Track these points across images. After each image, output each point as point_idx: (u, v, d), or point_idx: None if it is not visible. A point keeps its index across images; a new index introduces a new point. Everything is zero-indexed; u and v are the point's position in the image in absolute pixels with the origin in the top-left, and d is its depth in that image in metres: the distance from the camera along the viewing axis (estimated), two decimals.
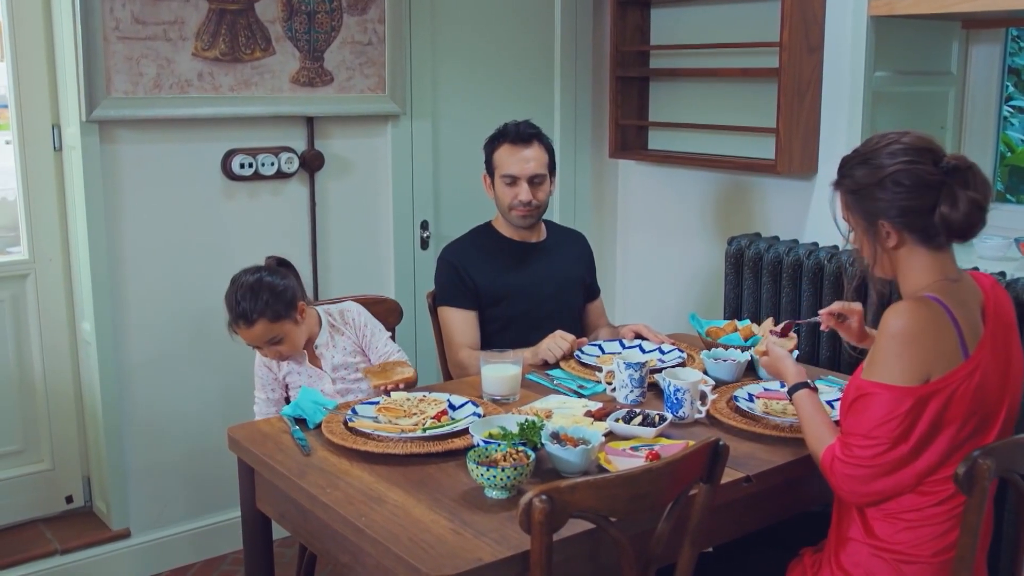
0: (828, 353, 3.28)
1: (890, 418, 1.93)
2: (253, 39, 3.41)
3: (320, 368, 2.81)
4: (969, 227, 1.99)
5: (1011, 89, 4.08)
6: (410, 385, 2.62)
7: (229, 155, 3.46)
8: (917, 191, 1.98)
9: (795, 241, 3.54)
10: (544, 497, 1.68)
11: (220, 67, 3.36)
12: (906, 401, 1.92)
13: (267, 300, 2.67)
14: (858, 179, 2.05)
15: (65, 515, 3.56)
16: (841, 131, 3.46)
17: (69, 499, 3.57)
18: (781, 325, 2.55)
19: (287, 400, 2.81)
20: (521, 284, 3.11)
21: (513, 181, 3.02)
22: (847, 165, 2.10)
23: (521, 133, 3.04)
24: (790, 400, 2.23)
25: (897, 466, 1.96)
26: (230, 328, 2.75)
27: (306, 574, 2.87)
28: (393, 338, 3.17)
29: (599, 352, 2.90)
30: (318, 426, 2.37)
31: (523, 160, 3.02)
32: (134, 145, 3.30)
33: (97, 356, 3.33)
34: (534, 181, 3.02)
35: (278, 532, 2.48)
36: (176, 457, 3.54)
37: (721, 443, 1.89)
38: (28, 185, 3.33)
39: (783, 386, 2.53)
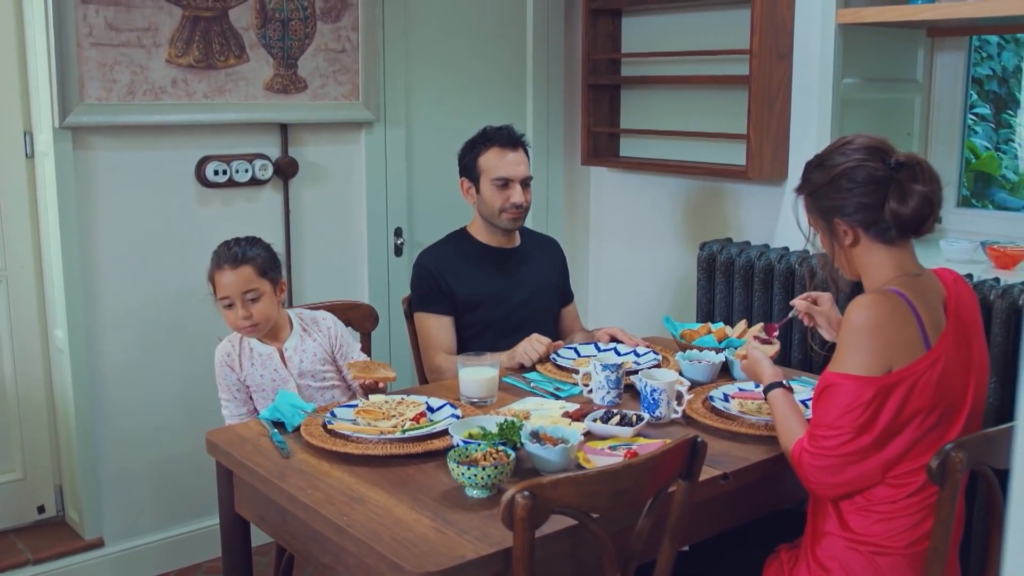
0: (800, 355, 3.32)
1: (853, 407, 1.98)
2: (227, 46, 3.41)
3: (287, 370, 2.76)
4: (919, 221, 2.06)
5: (974, 97, 4.15)
6: (389, 386, 2.62)
7: (203, 162, 3.45)
8: (867, 187, 2.06)
9: (766, 246, 3.58)
10: (526, 493, 1.69)
11: (194, 74, 3.36)
12: (868, 390, 1.97)
13: (260, 251, 2.73)
14: (814, 181, 2.15)
15: (37, 525, 3.53)
16: (811, 137, 3.51)
17: (41, 509, 3.54)
18: (763, 328, 2.59)
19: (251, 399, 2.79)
20: (496, 290, 3.13)
21: (506, 184, 3.04)
22: (807, 169, 2.20)
23: (511, 137, 3.08)
24: (765, 399, 2.26)
25: (862, 456, 2.00)
26: (210, 280, 2.72)
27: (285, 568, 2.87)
28: (368, 344, 3.19)
29: (575, 355, 2.92)
30: (296, 429, 2.37)
31: (513, 163, 3.04)
32: (107, 152, 3.29)
33: (70, 363, 3.31)
34: (524, 183, 3.06)
35: (255, 539, 2.49)
36: (150, 465, 3.52)
37: (699, 440, 1.92)
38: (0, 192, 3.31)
39: (758, 386, 2.56)
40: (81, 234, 3.26)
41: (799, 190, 2.20)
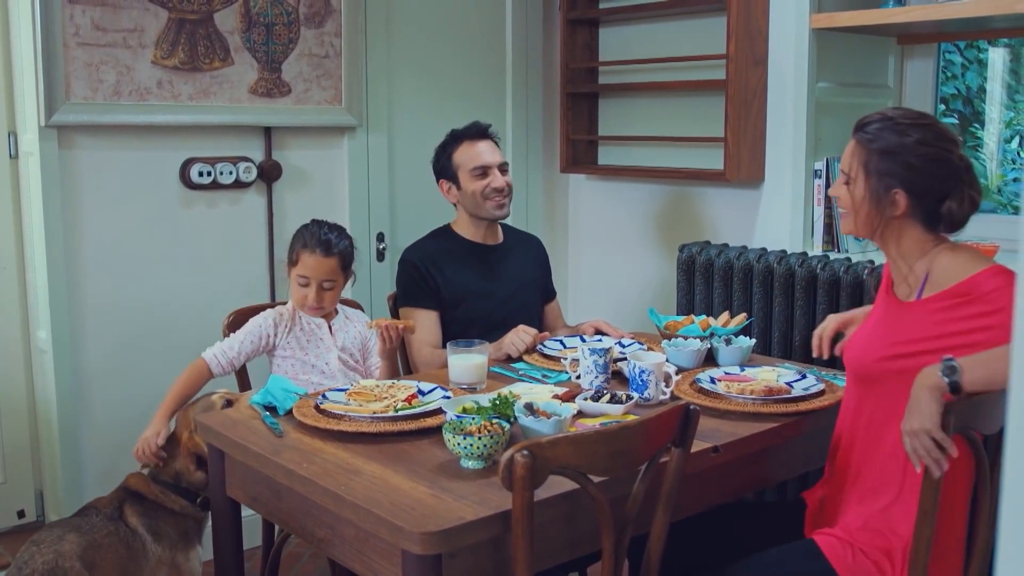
0: (780, 349, 3.37)
1: None
2: (212, 49, 3.44)
3: (332, 339, 2.92)
4: (964, 224, 2.12)
5: (942, 108, 4.25)
6: (410, 331, 2.84)
7: (188, 163, 3.47)
8: (942, 176, 2.07)
9: (744, 247, 3.63)
10: (526, 452, 1.72)
11: (179, 76, 3.38)
12: None
13: (348, 244, 2.91)
14: (889, 142, 2.09)
15: (16, 530, 3.50)
16: (787, 140, 3.58)
17: (21, 513, 3.51)
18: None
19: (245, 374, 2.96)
20: (481, 285, 3.16)
21: (484, 172, 3.09)
22: (876, 125, 2.12)
23: (479, 129, 3.16)
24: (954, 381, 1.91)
25: None
26: (293, 255, 2.87)
27: (271, 571, 2.86)
28: None
29: (561, 346, 2.95)
30: (288, 412, 2.39)
31: (488, 151, 3.12)
32: (93, 151, 3.30)
33: (53, 365, 3.30)
34: (502, 168, 3.12)
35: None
36: (133, 467, 3.49)
37: (692, 407, 1.95)
38: None
39: (743, 369, 2.61)
40: (65, 234, 3.27)
41: (866, 142, 2.12)
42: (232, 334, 2.91)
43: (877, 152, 2.09)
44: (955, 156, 2.09)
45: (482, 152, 3.12)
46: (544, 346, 2.92)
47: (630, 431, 1.84)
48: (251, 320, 2.91)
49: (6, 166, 3.33)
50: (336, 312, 2.99)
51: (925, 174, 2.07)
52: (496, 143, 3.21)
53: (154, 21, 3.31)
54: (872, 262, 3.27)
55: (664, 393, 2.46)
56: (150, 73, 3.32)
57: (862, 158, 2.12)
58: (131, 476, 2.75)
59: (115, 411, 3.44)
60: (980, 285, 2.01)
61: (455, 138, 3.17)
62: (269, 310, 2.94)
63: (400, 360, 3.26)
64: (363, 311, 3.19)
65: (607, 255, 4.36)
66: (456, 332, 3.13)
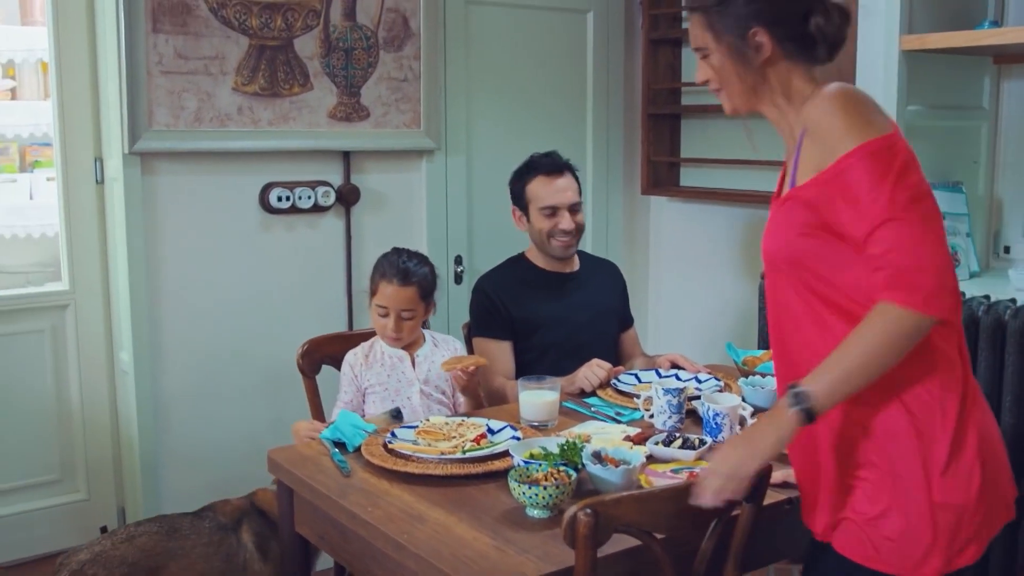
0: None
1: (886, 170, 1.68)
2: (292, 74, 3.47)
3: (414, 373, 2.84)
4: (842, 39, 1.84)
5: None
6: (481, 366, 2.75)
7: (267, 188, 3.51)
8: None
9: None
10: (589, 510, 1.68)
11: (259, 101, 3.41)
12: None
13: (427, 273, 2.83)
14: None
15: None
16: None
17: (103, 529, 3.56)
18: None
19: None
20: (556, 313, 3.12)
21: (553, 212, 3.05)
22: None
23: (555, 164, 3.08)
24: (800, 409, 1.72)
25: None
26: (373, 285, 2.83)
27: None
28: None
29: (635, 381, 2.90)
30: (357, 449, 2.38)
31: (560, 190, 3.05)
32: (174, 177, 3.35)
33: (134, 386, 3.36)
34: (573, 209, 3.06)
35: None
36: (210, 487, 3.53)
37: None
38: (70, 217, 3.40)
39: None
40: (147, 258, 3.33)
41: (699, 6, 1.86)
42: (341, 387, 2.89)
43: (714, 6, 1.83)
44: None
45: (555, 191, 3.06)
46: (618, 381, 2.87)
47: None
48: (342, 371, 2.88)
49: (92, 191, 3.41)
50: (423, 340, 2.91)
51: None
52: (575, 177, 3.14)
53: (235, 48, 3.35)
54: (963, 294, 3.14)
55: None
56: (230, 99, 3.36)
57: (704, 22, 1.85)
58: (260, 491, 2.78)
59: (193, 430, 3.49)
60: (845, 173, 1.70)
61: (531, 168, 3.12)
62: (349, 353, 2.89)
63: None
64: (458, 341, 3.05)
65: (687, 280, 4.29)
66: (531, 360, 3.11)
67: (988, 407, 1.85)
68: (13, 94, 3.97)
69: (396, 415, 2.61)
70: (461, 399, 2.88)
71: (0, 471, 3.40)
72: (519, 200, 3.14)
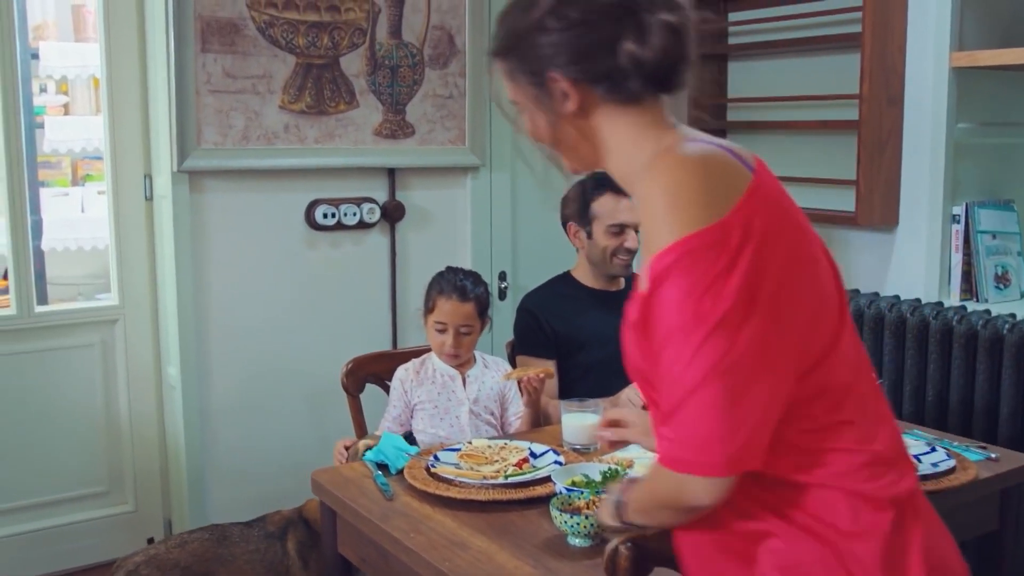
0: (912, 408, 3.23)
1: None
2: (338, 92, 3.49)
3: (464, 393, 2.86)
4: (669, 66, 1.42)
5: None
6: (549, 377, 2.78)
7: (312, 205, 3.54)
8: (589, 23, 1.40)
9: (876, 294, 3.50)
10: (630, 544, 1.67)
11: (306, 119, 3.44)
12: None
13: (484, 291, 2.88)
14: (512, 30, 1.47)
15: None
16: (923, 183, 3.43)
17: (150, 540, 3.63)
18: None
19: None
20: (600, 332, 3.11)
21: (621, 230, 3.04)
22: (501, 17, 1.51)
23: None
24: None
25: None
26: (430, 302, 2.86)
27: None
28: None
29: None
30: (400, 472, 2.39)
31: (629, 209, 3.02)
32: (221, 194, 3.39)
33: (182, 400, 3.40)
34: (637, 229, 3.06)
35: None
36: (255, 501, 3.57)
37: None
38: (120, 233, 3.44)
39: None
40: (195, 275, 3.37)
41: (493, 54, 1.50)
42: (389, 399, 2.92)
43: (507, 52, 1.47)
44: None
45: (624, 209, 3.03)
46: None
47: None
48: (392, 385, 2.91)
49: (141, 208, 3.45)
50: (474, 361, 2.93)
51: (563, 34, 1.42)
52: None
53: (282, 67, 3.38)
54: (1014, 315, 3.10)
55: None
56: (277, 118, 3.39)
57: (503, 71, 1.49)
58: (310, 501, 2.83)
59: (239, 445, 3.52)
60: (650, 276, 1.31)
61: (600, 185, 3.09)
62: (400, 368, 2.91)
63: None
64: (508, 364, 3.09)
65: None
66: (575, 378, 3.10)
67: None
68: (66, 109, 4.04)
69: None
70: (512, 419, 2.88)
71: (50, 483, 3.46)
72: (581, 216, 3.11)
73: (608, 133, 1.46)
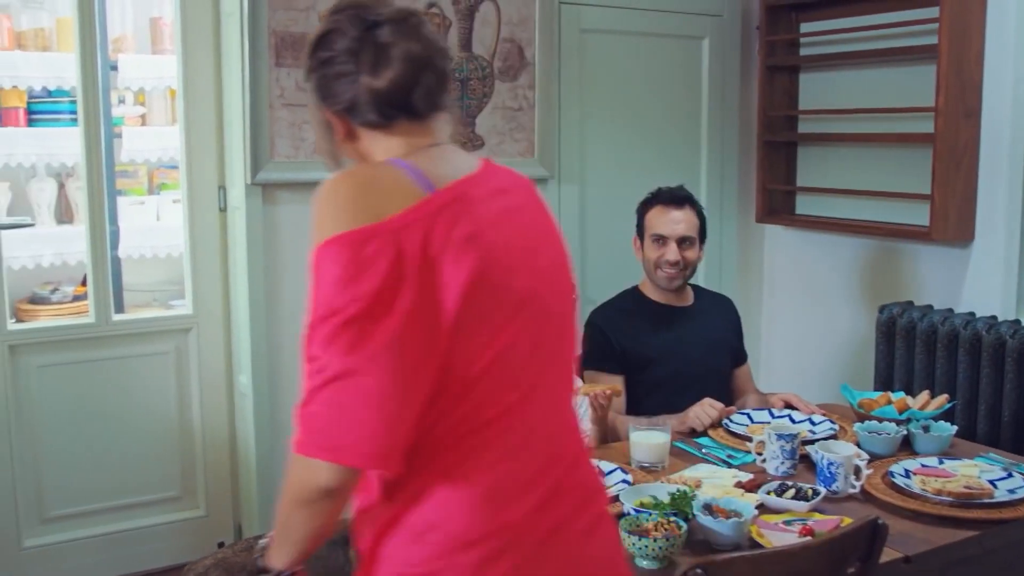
0: (986, 428, 3.17)
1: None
2: None
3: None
4: (404, 95, 1.50)
5: None
6: (616, 394, 2.79)
7: None
8: (333, 61, 1.51)
9: (950, 310, 3.44)
10: (699, 571, 1.67)
11: None
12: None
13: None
14: (311, 60, 1.57)
15: None
16: (1000, 197, 3.37)
17: (220, 545, 3.69)
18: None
19: None
20: (668, 348, 3.10)
21: (662, 241, 3.04)
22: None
23: (674, 195, 3.07)
24: None
25: None
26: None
27: None
28: None
29: (748, 421, 2.86)
30: None
31: (673, 221, 3.03)
32: (294, 206, 3.43)
33: (253, 408, 3.45)
34: (683, 243, 3.03)
35: None
36: None
37: (880, 521, 1.85)
38: (194, 243, 3.51)
39: (942, 463, 2.46)
40: (267, 285, 3.42)
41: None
42: None
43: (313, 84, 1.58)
44: (345, 27, 1.51)
45: (667, 221, 3.04)
46: (730, 421, 2.84)
47: (811, 551, 1.76)
48: None
49: (216, 218, 3.52)
50: None
51: (315, 68, 1.53)
52: (697, 213, 3.11)
53: None
54: None
55: (854, 487, 2.34)
56: None
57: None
58: None
59: None
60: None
61: (654, 197, 3.12)
62: None
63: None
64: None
65: (802, 310, 4.22)
66: (642, 395, 3.09)
67: None
68: (143, 120, 4.12)
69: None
70: (586, 430, 2.88)
71: (124, 487, 3.53)
72: (639, 227, 3.14)
73: (374, 155, 1.55)
